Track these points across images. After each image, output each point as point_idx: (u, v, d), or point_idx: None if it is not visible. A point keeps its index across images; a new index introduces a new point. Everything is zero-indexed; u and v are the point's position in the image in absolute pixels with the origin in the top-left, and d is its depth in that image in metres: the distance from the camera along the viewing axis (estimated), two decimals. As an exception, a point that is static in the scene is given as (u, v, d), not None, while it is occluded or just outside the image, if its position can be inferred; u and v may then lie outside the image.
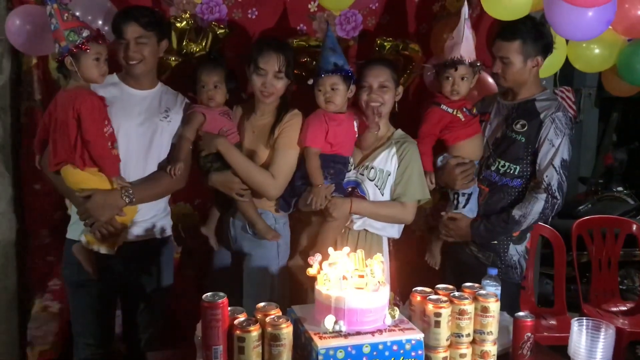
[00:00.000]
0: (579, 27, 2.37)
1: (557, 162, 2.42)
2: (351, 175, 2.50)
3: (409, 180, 2.44)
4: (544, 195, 2.43)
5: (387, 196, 2.47)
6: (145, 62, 2.38)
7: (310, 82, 2.44)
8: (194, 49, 2.69)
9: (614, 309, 3.39)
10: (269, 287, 2.52)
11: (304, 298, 2.39)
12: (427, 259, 2.76)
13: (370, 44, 2.91)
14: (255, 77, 2.45)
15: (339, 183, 2.46)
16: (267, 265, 2.53)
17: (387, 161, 2.45)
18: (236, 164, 2.44)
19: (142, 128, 2.41)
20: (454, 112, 2.54)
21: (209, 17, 2.74)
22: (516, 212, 2.47)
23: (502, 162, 2.53)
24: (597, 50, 2.77)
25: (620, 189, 5.31)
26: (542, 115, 2.47)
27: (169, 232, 2.61)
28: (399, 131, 2.54)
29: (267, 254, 2.54)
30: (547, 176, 2.43)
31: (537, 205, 2.44)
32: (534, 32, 2.44)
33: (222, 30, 2.71)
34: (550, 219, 2.72)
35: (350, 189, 2.48)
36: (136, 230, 2.44)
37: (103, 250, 2.31)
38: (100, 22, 2.48)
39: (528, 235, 2.64)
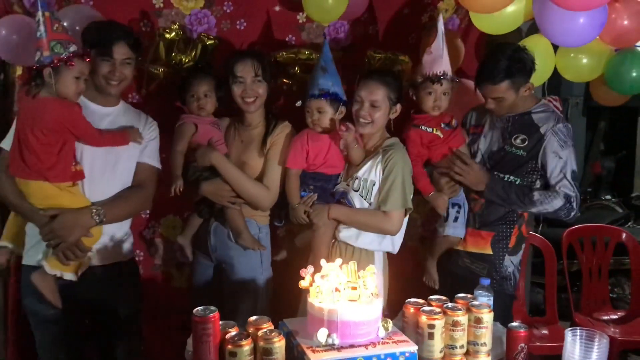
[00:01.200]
0: (571, 32, 2.39)
1: (568, 174, 2.46)
2: (339, 186, 2.49)
3: (391, 188, 2.36)
4: (562, 199, 2.45)
5: (375, 206, 2.42)
6: (125, 82, 2.34)
7: (299, 104, 2.44)
8: (183, 59, 2.68)
9: (605, 317, 3.40)
10: (252, 297, 2.51)
11: (292, 309, 2.35)
12: (425, 280, 2.72)
13: (359, 54, 2.91)
14: (235, 87, 2.48)
15: (323, 196, 2.45)
16: (251, 275, 2.52)
17: (371, 170, 2.40)
18: (230, 177, 2.45)
19: (105, 147, 2.31)
20: (433, 131, 2.54)
21: (198, 29, 2.74)
22: (536, 194, 2.47)
23: (501, 175, 2.54)
24: (585, 60, 2.79)
25: (608, 197, 5.35)
26: (542, 129, 2.48)
27: (131, 254, 2.54)
28: (390, 139, 2.48)
29: (250, 263, 2.53)
30: (562, 190, 2.45)
31: (556, 201, 2.45)
32: (518, 63, 2.41)
33: (211, 42, 2.70)
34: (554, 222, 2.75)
35: (341, 201, 2.46)
36: (101, 254, 2.34)
37: (67, 276, 2.18)
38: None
39: (523, 246, 2.64)
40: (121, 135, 2.32)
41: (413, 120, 2.60)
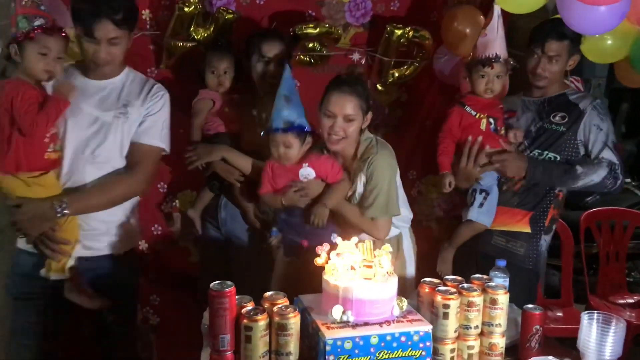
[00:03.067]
0: (593, 21, 2.33)
1: (609, 142, 2.44)
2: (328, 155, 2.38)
3: (375, 197, 2.23)
4: (606, 168, 2.42)
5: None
6: (115, 61, 2.13)
7: (262, 134, 2.26)
8: (202, 34, 2.66)
9: (621, 301, 3.38)
10: (260, 271, 2.53)
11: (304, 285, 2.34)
12: (439, 267, 2.66)
13: (381, 30, 2.88)
14: (260, 66, 2.49)
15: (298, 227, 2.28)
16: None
17: (356, 181, 2.28)
18: (239, 165, 2.45)
19: (94, 126, 2.11)
20: (477, 116, 2.49)
21: (217, 3, 2.72)
22: (579, 167, 2.43)
23: (541, 152, 2.50)
24: (610, 42, 2.72)
25: (628, 180, 5.27)
26: (581, 105, 2.48)
27: (128, 245, 2.31)
28: (362, 145, 2.29)
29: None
30: (604, 157, 2.42)
31: (601, 171, 2.41)
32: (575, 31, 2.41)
33: (230, 16, 2.68)
34: (607, 193, 2.68)
35: None
36: (91, 244, 2.16)
37: (53, 275, 2.06)
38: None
39: (554, 227, 2.63)
40: (53, 105, 2.01)
41: (462, 97, 2.58)
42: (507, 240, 2.57)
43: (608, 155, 2.43)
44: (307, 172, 2.22)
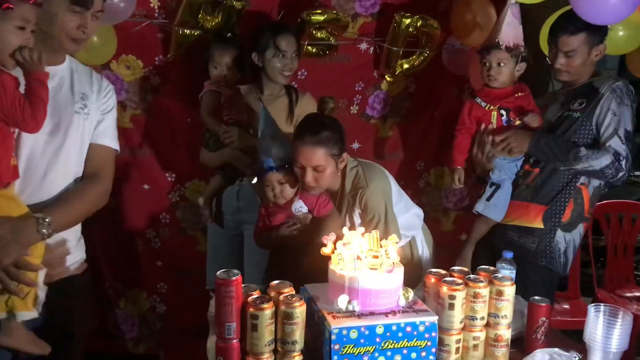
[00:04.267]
0: (604, 10, 2.28)
1: (621, 131, 2.32)
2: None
3: (386, 227, 2.19)
4: (611, 157, 2.30)
5: None
6: (88, 40, 1.81)
7: (254, 181, 2.22)
8: (210, 22, 2.66)
9: (629, 294, 3.36)
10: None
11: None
12: (457, 265, 2.65)
13: (389, 20, 2.87)
14: (277, 60, 2.52)
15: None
16: None
17: (351, 214, 2.26)
18: None
19: (49, 124, 1.71)
20: (487, 107, 2.46)
21: (226, -8, 2.71)
22: (583, 149, 2.33)
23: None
24: (621, 33, 2.69)
25: (637, 173, 5.22)
26: (600, 89, 2.37)
27: (84, 265, 1.93)
28: (348, 178, 2.23)
29: None
30: (612, 146, 2.31)
31: (604, 158, 2.30)
32: None
33: (239, 3, 2.67)
34: (608, 185, 2.53)
35: None
36: (52, 269, 1.74)
37: (26, 315, 1.61)
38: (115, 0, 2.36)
39: (581, 225, 2.50)
40: (40, 85, 1.63)
41: (474, 90, 2.57)
42: (520, 236, 2.51)
43: (616, 144, 2.31)
44: (299, 205, 2.20)
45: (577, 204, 2.47)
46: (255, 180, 2.23)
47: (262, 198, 2.38)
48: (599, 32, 2.37)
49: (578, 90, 2.46)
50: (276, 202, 2.18)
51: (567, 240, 2.49)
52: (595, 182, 2.45)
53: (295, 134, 2.19)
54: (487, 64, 2.44)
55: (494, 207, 2.51)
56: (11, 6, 1.52)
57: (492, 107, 2.46)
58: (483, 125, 2.48)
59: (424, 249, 2.46)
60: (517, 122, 2.45)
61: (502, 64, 2.42)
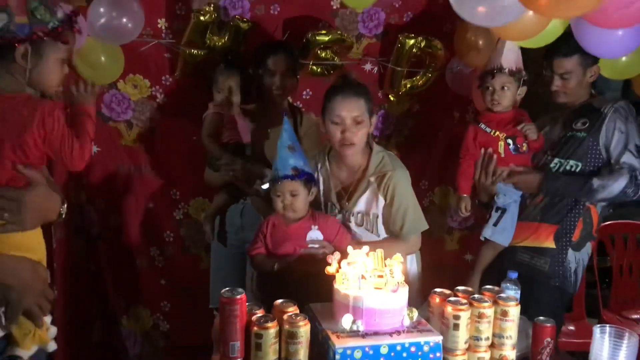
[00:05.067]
0: (610, 45, 2.30)
1: (631, 146, 2.34)
2: (337, 219, 2.25)
3: (404, 216, 2.19)
4: (627, 175, 2.31)
5: (383, 236, 2.24)
6: None
7: (266, 186, 2.12)
8: (217, 42, 2.69)
9: (635, 316, 3.33)
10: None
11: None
12: None
13: (393, 41, 2.90)
14: (267, 79, 2.55)
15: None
16: None
17: (371, 203, 2.21)
18: None
19: None
20: (493, 133, 2.46)
21: (232, 12, 2.75)
22: (595, 181, 2.33)
23: (562, 161, 2.43)
24: (624, 58, 2.70)
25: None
26: (602, 109, 2.39)
27: None
28: (374, 159, 2.22)
29: None
30: (624, 161, 2.32)
31: (620, 181, 2.31)
32: None
33: (245, 25, 2.71)
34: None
35: None
36: None
37: (33, 348, 1.55)
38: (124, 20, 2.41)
39: (589, 244, 2.50)
40: (88, 120, 1.61)
41: (477, 115, 2.58)
42: (532, 257, 2.48)
43: (629, 159, 2.33)
44: (315, 235, 2.10)
45: (586, 223, 2.47)
46: (267, 186, 2.12)
47: (264, 211, 2.38)
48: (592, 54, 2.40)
49: (578, 109, 2.48)
50: (284, 214, 2.10)
51: (577, 260, 2.49)
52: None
53: (330, 92, 2.18)
54: (491, 88, 2.45)
55: (501, 232, 2.49)
56: (67, 40, 1.51)
57: (497, 134, 2.46)
58: (490, 150, 2.47)
59: (412, 264, 2.40)
60: (524, 148, 2.45)
61: (505, 88, 2.43)
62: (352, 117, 2.12)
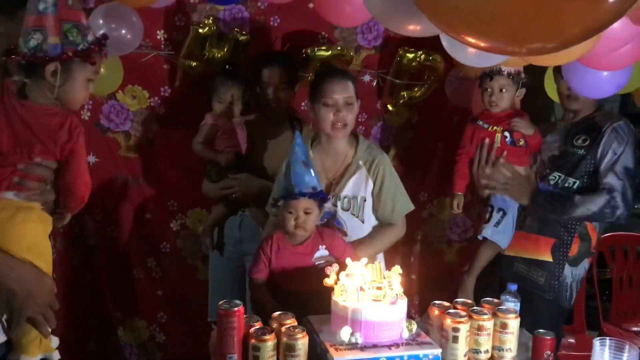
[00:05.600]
0: (594, 87, 2.37)
1: (618, 168, 2.35)
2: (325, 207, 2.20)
3: (394, 199, 2.24)
4: (606, 196, 2.32)
5: (368, 222, 2.25)
6: None
7: (280, 203, 2.02)
8: (216, 54, 2.69)
9: (635, 328, 3.31)
10: None
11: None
12: (460, 297, 2.62)
13: (392, 53, 2.90)
14: (262, 91, 2.55)
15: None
16: None
17: (360, 186, 2.23)
18: None
19: None
20: (490, 128, 2.48)
21: (232, 24, 2.75)
22: (577, 197, 2.36)
23: (560, 176, 2.44)
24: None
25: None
26: (602, 127, 2.40)
27: None
28: (361, 146, 2.28)
29: None
30: (607, 182, 2.34)
31: (599, 200, 2.33)
32: None
33: (244, 37, 2.71)
34: (609, 224, 2.54)
35: (325, 220, 2.20)
36: None
37: (40, 356, 1.57)
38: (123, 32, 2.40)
39: (586, 260, 2.51)
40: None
41: (476, 115, 2.59)
42: (529, 268, 2.49)
43: (611, 180, 2.33)
44: (322, 254, 2.05)
45: (584, 240, 2.48)
46: (280, 202, 2.02)
47: (263, 223, 2.37)
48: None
49: (579, 124, 2.49)
50: (294, 232, 2.00)
51: (573, 275, 2.49)
52: None
53: (319, 76, 2.28)
54: (489, 90, 2.46)
55: (502, 233, 2.49)
56: (94, 61, 1.57)
57: (496, 128, 2.47)
58: (487, 140, 2.48)
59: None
60: (521, 143, 2.47)
61: (504, 90, 2.45)
62: (344, 98, 2.18)
